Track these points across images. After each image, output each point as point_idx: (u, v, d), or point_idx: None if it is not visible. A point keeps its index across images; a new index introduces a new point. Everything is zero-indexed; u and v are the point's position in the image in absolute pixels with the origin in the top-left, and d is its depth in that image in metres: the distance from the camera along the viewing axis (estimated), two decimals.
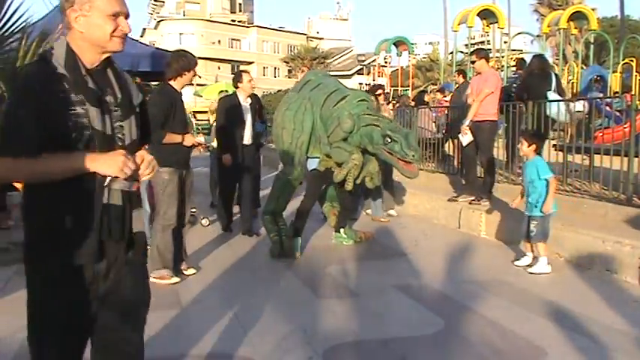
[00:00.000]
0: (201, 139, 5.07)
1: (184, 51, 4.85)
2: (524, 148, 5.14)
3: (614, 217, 5.70)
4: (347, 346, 3.44)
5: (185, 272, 4.90)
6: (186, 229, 5.02)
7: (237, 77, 6.58)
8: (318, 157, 5.37)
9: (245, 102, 6.45)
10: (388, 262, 5.45)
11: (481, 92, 6.67)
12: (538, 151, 5.22)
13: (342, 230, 6.11)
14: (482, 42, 29.05)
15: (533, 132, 5.39)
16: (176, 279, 4.68)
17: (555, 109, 6.95)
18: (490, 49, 22.06)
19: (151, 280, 4.55)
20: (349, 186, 5.13)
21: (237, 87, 6.47)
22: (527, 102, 7.11)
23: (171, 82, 4.67)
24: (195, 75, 4.78)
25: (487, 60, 7.08)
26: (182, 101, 4.79)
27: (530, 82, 7.50)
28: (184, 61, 4.64)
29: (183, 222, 4.83)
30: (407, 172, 5.06)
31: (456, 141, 9.16)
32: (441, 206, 7.48)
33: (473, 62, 7.12)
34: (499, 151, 7.76)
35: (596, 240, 5.08)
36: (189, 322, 3.83)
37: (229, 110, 6.45)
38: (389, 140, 4.98)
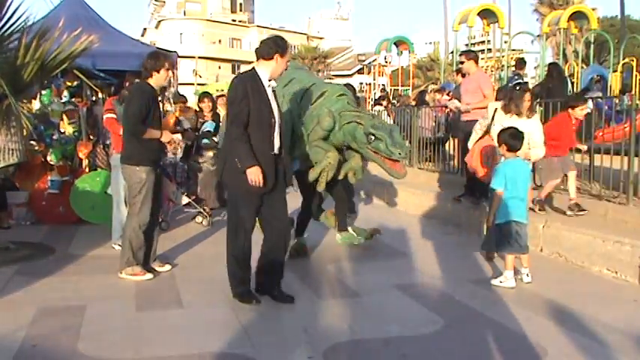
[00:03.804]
0: (178, 136, 5.01)
1: (156, 52, 4.88)
2: (497, 148, 4.93)
3: (614, 216, 5.69)
4: (347, 345, 3.44)
5: (159, 269, 4.96)
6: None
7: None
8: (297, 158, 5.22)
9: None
10: (388, 261, 5.45)
11: (487, 93, 6.77)
12: (515, 151, 4.74)
13: (350, 229, 5.87)
14: (483, 42, 29.05)
15: (509, 132, 4.78)
16: (150, 275, 4.73)
17: None
18: (490, 49, 22.07)
19: (125, 277, 4.62)
20: (321, 186, 5.01)
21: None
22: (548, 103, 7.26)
23: (148, 81, 4.75)
24: (168, 74, 4.83)
25: (476, 61, 7.19)
26: (158, 99, 4.91)
27: (551, 86, 8.64)
28: (152, 62, 4.70)
29: (156, 220, 4.95)
30: (394, 172, 4.83)
31: (456, 140, 9.17)
32: (442, 206, 7.48)
33: (462, 63, 7.10)
34: None
35: (596, 240, 5.08)
36: (189, 321, 3.83)
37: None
38: (372, 138, 4.74)
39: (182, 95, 8.70)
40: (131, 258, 4.70)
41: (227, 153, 4.05)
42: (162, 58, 4.76)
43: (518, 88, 6.14)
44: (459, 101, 7.25)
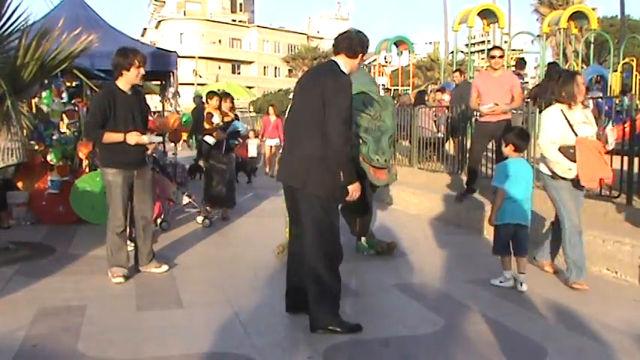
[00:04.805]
0: (144, 138, 4.66)
1: (125, 48, 4.74)
2: (503, 148, 4.73)
3: (614, 216, 5.69)
4: (347, 345, 3.44)
5: (155, 270, 4.89)
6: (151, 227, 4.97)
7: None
8: None
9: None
10: (388, 261, 5.44)
11: (518, 97, 6.54)
12: (521, 152, 4.69)
13: (363, 239, 5.69)
14: (483, 42, 29.07)
15: (516, 132, 4.73)
16: (120, 279, 4.63)
17: None
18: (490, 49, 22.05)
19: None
20: None
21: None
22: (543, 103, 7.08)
23: (116, 82, 4.64)
24: (139, 71, 4.64)
25: None
26: (129, 99, 4.65)
27: (551, 86, 8.17)
28: (120, 60, 4.59)
29: (134, 223, 4.83)
30: (374, 179, 4.69)
31: (456, 140, 9.19)
32: (442, 206, 7.48)
33: (501, 57, 6.61)
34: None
35: (596, 240, 5.08)
36: (189, 321, 3.83)
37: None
38: (360, 142, 4.61)
39: (214, 92, 8.23)
40: (110, 259, 4.71)
41: (318, 158, 3.44)
42: (130, 54, 4.63)
43: (561, 75, 5.16)
44: (472, 100, 6.83)
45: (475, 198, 7.13)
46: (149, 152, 4.96)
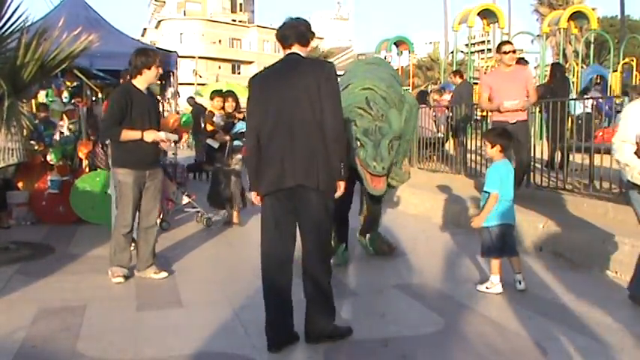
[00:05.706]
0: (161, 134, 4.68)
1: (145, 48, 4.76)
2: (488, 150, 4.49)
3: (615, 216, 5.69)
4: (347, 345, 3.44)
5: (155, 276, 4.77)
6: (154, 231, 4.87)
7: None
8: None
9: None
10: (388, 261, 5.44)
11: (532, 94, 6.31)
12: (507, 153, 4.59)
13: (367, 236, 5.59)
14: (483, 42, 29.05)
15: (498, 131, 4.56)
16: (120, 279, 4.62)
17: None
18: (490, 49, 22.07)
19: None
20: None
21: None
22: (549, 102, 7.00)
23: (133, 81, 4.65)
24: (158, 71, 4.69)
25: None
26: (145, 98, 4.67)
27: (554, 87, 8.71)
28: (143, 59, 4.60)
29: (133, 224, 4.78)
30: (370, 187, 4.43)
31: (456, 140, 9.20)
32: (442, 206, 7.48)
33: (514, 51, 6.38)
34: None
35: (596, 239, 5.08)
36: (189, 321, 3.83)
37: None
38: (358, 144, 4.36)
39: (218, 92, 8.00)
40: (112, 258, 4.70)
41: (322, 152, 3.26)
42: (151, 53, 4.67)
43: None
44: (481, 100, 6.63)
45: (474, 198, 7.13)
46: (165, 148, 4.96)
